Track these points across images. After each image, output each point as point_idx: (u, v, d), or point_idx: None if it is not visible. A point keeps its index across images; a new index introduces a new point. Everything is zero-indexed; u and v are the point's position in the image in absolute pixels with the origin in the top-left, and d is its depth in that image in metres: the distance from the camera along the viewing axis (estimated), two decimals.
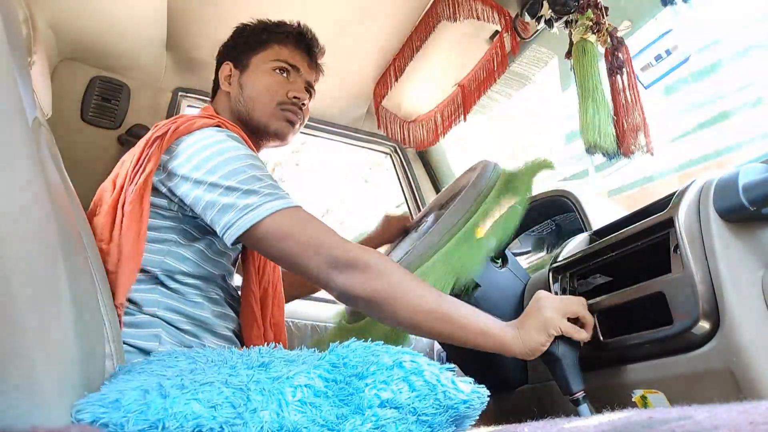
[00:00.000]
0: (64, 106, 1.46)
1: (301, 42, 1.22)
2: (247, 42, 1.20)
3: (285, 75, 1.18)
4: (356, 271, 0.87)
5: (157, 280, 0.98)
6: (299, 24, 1.24)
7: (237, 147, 0.97)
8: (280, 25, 1.22)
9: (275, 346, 0.83)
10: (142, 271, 0.96)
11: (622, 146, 1.12)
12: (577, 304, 0.92)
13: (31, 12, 0.86)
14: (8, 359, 0.39)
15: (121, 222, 0.93)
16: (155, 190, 0.97)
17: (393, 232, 1.39)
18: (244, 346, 1.08)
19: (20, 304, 0.41)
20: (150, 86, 1.59)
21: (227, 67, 1.20)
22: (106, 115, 1.52)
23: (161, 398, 0.52)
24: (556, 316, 0.89)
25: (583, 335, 0.90)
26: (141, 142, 1.01)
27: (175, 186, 0.96)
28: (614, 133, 1.11)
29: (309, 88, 1.26)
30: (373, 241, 1.41)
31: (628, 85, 1.11)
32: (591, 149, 1.10)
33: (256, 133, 1.17)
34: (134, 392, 0.54)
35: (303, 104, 1.20)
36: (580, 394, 0.92)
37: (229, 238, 0.91)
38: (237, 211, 0.90)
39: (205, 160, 0.94)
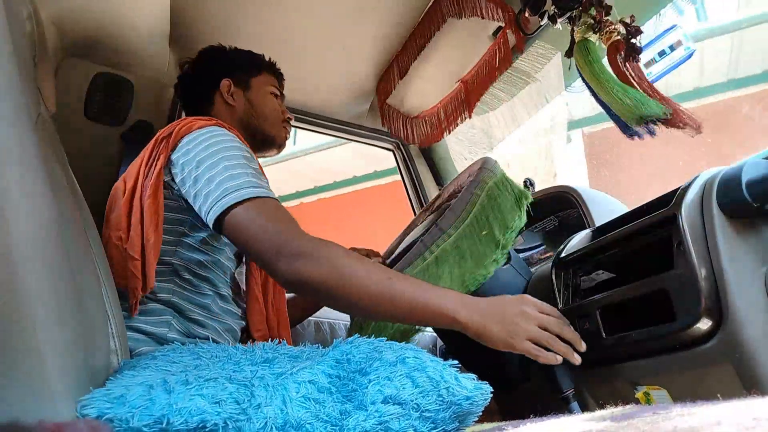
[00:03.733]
0: (67, 102, 1.46)
1: (279, 74, 1.43)
2: (243, 65, 1.37)
3: (277, 99, 1.38)
4: (303, 259, 0.87)
5: (173, 272, 1.03)
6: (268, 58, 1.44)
7: (230, 139, 1.04)
8: (260, 56, 1.41)
9: (279, 342, 0.83)
10: (159, 262, 1.01)
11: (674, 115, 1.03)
12: (558, 323, 0.89)
13: (35, 9, 0.86)
14: (14, 355, 0.39)
15: (140, 213, 1.00)
16: (168, 187, 1.04)
17: None
18: (249, 335, 1.14)
19: (25, 299, 0.41)
20: (153, 82, 1.59)
21: (227, 82, 1.33)
22: (110, 111, 1.52)
23: (166, 394, 0.53)
24: (528, 325, 0.86)
25: (543, 357, 0.86)
26: (149, 145, 1.09)
27: (176, 174, 1.03)
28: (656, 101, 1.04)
29: None
30: None
31: (641, 76, 1.09)
32: (639, 122, 1.02)
33: (261, 143, 1.34)
34: (139, 387, 0.54)
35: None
36: (570, 392, 0.92)
37: (209, 224, 0.96)
38: (213, 198, 0.95)
39: (199, 152, 1.01)
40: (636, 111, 1.02)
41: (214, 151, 1.00)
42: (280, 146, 1.39)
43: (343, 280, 0.86)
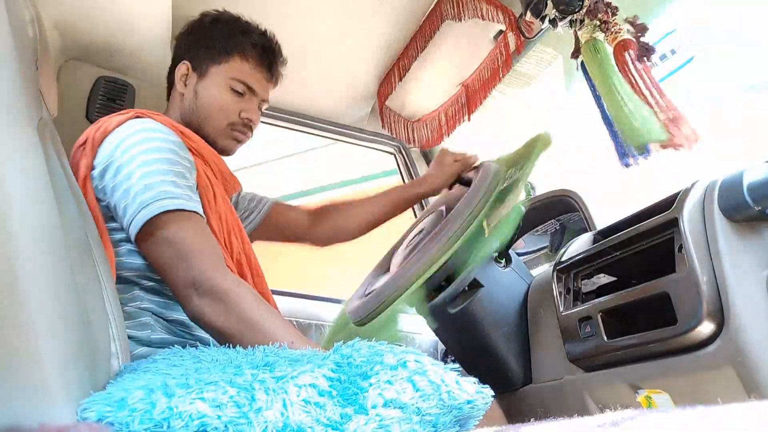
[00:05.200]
0: (69, 106, 1.46)
1: (264, 57, 1.19)
2: (209, 48, 1.16)
3: (240, 95, 1.16)
4: (213, 300, 0.85)
5: (131, 282, 0.97)
6: (265, 33, 1.21)
7: (149, 137, 0.95)
8: (246, 33, 1.18)
9: (279, 346, 0.83)
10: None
11: (670, 138, 1.04)
12: None
13: (37, 12, 0.86)
14: (15, 358, 0.39)
15: None
16: (98, 199, 0.97)
17: (447, 175, 1.30)
18: None
19: (27, 302, 0.41)
20: (155, 86, 1.59)
21: (184, 67, 1.17)
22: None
23: (166, 397, 0.52)
24: None
25: None
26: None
27: (99, 183, 0.96)
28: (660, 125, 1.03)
29: (262, 104, 1.24)
30: (426, 183, 1.32)
31: (649, 79, 1.08)
32: (641, 147, 1.02)
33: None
34: (139, 391, 0.54)
35: (252, 125, 1.19)
36: None
37: (133, 238, 0.91)
38: (130, 213, 0.90)
39: (118, 157, 0.94)
40: (642, 137, 1.00)
41: (131, 155, 0.92)
42: (222, 151, 1.17)
43: (246, 333, 0.83)
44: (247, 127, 1.18)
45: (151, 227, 0.89)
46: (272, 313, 0.87)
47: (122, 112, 1.04)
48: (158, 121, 1.01)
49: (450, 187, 1.33)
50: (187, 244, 0.88)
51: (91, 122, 1.49)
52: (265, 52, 1.19)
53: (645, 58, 1.06)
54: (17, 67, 0.53)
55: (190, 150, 1.04)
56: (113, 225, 0.97)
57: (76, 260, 0.63)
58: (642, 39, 1.08)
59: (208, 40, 1.17)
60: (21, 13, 0.76)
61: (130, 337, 0.92)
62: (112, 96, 1.51)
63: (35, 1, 0.88)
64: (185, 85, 1.16)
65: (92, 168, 0.97)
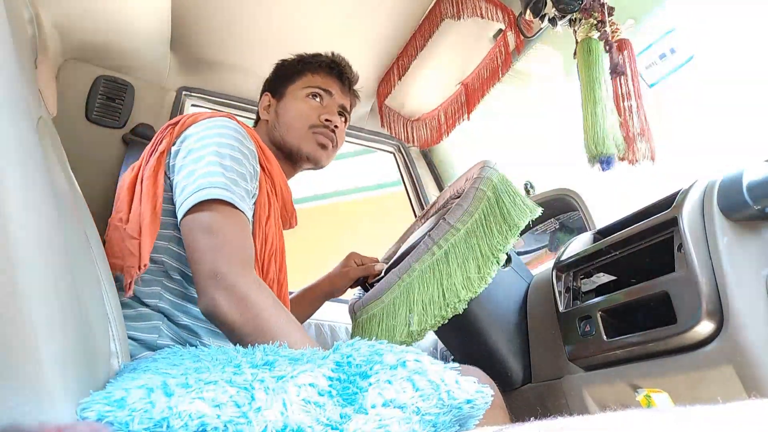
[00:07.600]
0: (69, 105, 1.46)
1: (333, 69, 1.29)
2: (283, 74, 1.30)
3: (318, 100, 1.25)
4: (230, 297, 0.85)
5: (161, 272, 0.99)
6: (332, 53, 1.33)
7: (228, 134, 1.00)
8: (315, 56, 1.31)
9: (279, 344, 0.83)
10: (151, 260, 0.97)
11: (628, 153, 1.08)
12: None
13: (37, 12, 0.86)
14: (15, 357, 0.39)
15: (140, 195, 0.98)
16: (166, 175, 1.02)
17: (347, 278, 1.35)
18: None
19: (26, 302, 0.41)
20: (154, 86, 1.60)
21: (266, 98, 1.29)
22: (111, 114, 1.52)
23: (166, 397, 0.52)
24: None
25: None
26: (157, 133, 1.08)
27: (170, 162, 1.02)
28: (621, 139, 1.07)
29: (343, 112, 1.31)
30: (328, 285, 1.37)
31: (633, 89, 1.09)
32: (593, 159, 1.06)
33: (290, 158, 1.23)
34: (139, 390, 0.54)
35: (336, 126, 1.24)
36: None
37: (180, 216, 0.93)
38: (187, 193, 0.93)
39: (193, 143, 0.99)
40: (595, 148, 1.05)
41: (205, 144, 0.97)
42: (309, 158, 1.22)
43: (258, 333, 0.83)
44: (329, 129, 1.23)
45: (198, 210, 0.91)
46: (290, 319, 0.87)
47: (216, 112, 1.10)
48: (245, 129, 1.05)
49: (352, 287, 1.38)
50: (225, 237, 0.89)
51: (91, 121, 1.50)
52: (333, 64, 1.30)
53: (615, 74, 1.08)
54: (16, 66, 0.53)
55: (261, 168, 1.07)
56: (173, 208, 0.98)
57: (76, 260, 0.63)
58: (613, 56, 1.09)
59: (282, 70, 1.32)
60: (20, 12, 0.76)
61: (136, 340, 0.93)
62: (111, 95, 1.52)
63: (35, 0, 0.88)
64: (268, 113, 1.27)
65: (172, 144, 1.02)
